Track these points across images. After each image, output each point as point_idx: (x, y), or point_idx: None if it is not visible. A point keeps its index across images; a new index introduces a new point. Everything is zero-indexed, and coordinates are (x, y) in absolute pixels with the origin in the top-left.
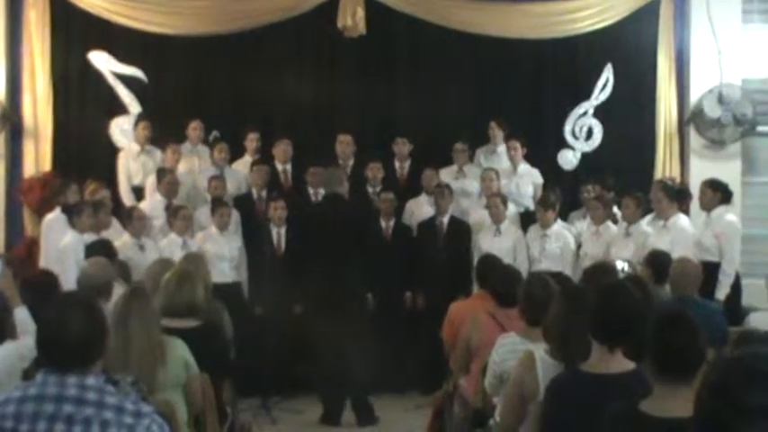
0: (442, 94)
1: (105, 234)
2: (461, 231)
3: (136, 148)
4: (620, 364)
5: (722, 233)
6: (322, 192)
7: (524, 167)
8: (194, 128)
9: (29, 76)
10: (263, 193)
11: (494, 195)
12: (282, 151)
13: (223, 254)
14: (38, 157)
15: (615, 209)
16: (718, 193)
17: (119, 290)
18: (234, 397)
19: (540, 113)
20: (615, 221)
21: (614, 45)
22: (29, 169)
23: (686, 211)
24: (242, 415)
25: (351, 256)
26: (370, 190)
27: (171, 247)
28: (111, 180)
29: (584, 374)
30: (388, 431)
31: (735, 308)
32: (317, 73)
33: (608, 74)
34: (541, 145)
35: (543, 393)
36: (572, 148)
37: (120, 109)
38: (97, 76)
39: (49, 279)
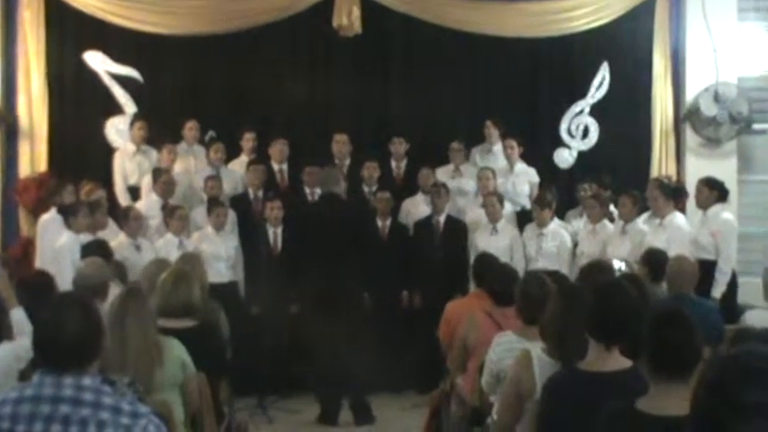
0: (437, 93)
1: (101, 234)
2: (458, 230)
3: (132, 148)
4: (617, 362)
5: (718, 231)
6: (318, 191)
7: (521, 166)
8: (190, 128)
9: (24, 77)
10: (260, 193)
11: (490, 194)
12: (279, 151)
13: (219, 254)
14: (33, 157)
15: (612, 207)
16: (714, 191)
17: (115, 290)
18: (230, 397)
19: (536, 112)
20: (612, 220)
21: (610, 43)
22: (24, 170)
23: (682, 210)
24: (239, 414)
25: (348, 255)
26: (366, 189)
27: (167, 247)
28: (106, 180)
29: (581, 373)
30: (385, 430)
31: (731, 306)
32: (313, 72)
33: (604, 72)
34: (538, 144)
35: (540, 392)
36: (568, 147)
37: (116, 109)
38: (92, 76)
39: (45, 280)
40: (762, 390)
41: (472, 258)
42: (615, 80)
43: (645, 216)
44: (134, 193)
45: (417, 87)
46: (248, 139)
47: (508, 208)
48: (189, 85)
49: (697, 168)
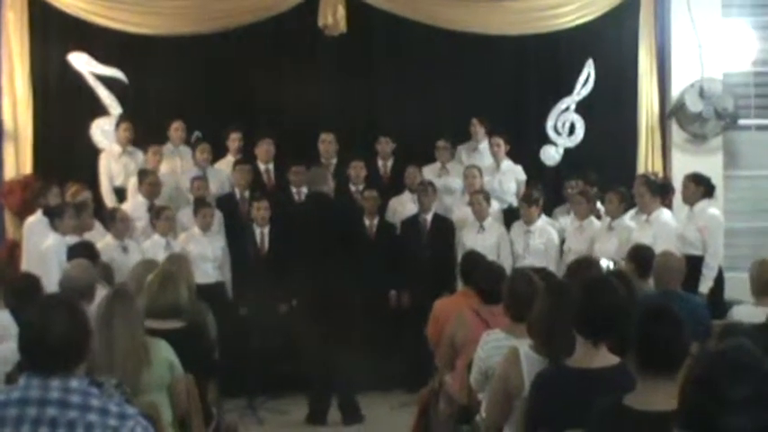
0: (423, 91)
1: (88, 236)
2: (445, 229)
3: (117, 149)
4: (605, 358)
5: (705, 227)
6: (305, 191)
7: (507, 164)
8: (176, 128)
9: (8, 79)
10: (246, 194)
11: (477, 192)
12: (265, 151)
13: (206, 254)
14: (18, 159)
15: (598, 204)
16: (700, 186)
17: (102, 292)
18: (219, 398)
19: (522, 110)
20: (599, 216)
21: (595, 40)
22: (9, 172)
23: (669, 206)
24: (228, 415)
25: (336, 254)
26: (353, 188)
27: (154, 248)
28: (92, 182)
29: (568, 369)
30: (373, 430)
31: (718, 301)
32: (299, 72)
33: (589, 69)
34: (524, 141)
35: (528, 389)
36: (554, 144)
37: (101, 110)
38: (77, 78)
39: (32, 282)
40: (749, 385)
41: (459, 256)
42: (601, 77)
43: (632, 212)
44: (120, 194)
45: (403, 86)
46: (234, 140)
47: (495, 206)
48: (174, 86)
49: (683, 164)
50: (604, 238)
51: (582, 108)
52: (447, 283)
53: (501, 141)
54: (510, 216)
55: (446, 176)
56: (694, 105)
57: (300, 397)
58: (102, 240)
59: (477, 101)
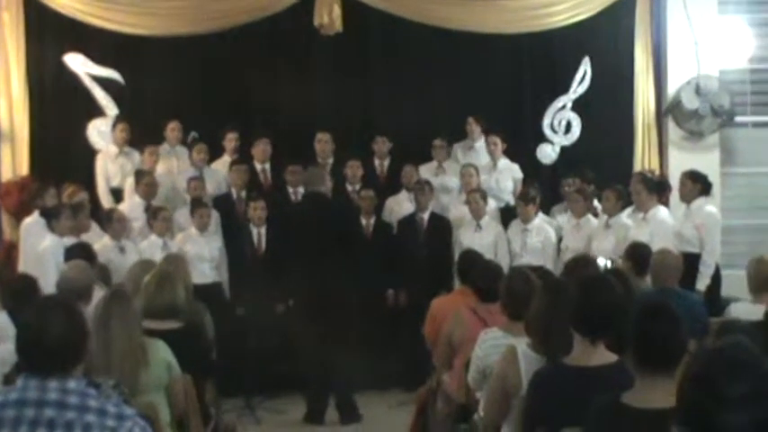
0: (419, 90)
1: (85, 237)
2: (442, 227)
3: (114, 150)
4: (603, 356)
5: (702, 224)
6: (301, 191)
7: (504, 162)
8: (172, 129)
9: (4, 80)
10: (243, 194)
11: (473, 191)
12: (261, 151)
13: (203, 254)
14: (15, 160)
15: (596, 202)
16: (697, 184)
17: (99, 293)
18: (217, 398)
19: (518, 108)
20: (596, 214)
21: (591, 38)
22: (6, 173)
23: (666, 203)
24: (226, 415)
25: (334, 254)
26: (349, 188)
27: (151, 248)
28: (89, 183)
29: (566, 368)
30: (371, 429)
31: (715, 299)
32: (295, 71)
33: (585, 67)
34: (520, 139)
35: (526, 387)
36: (551, 142)
37: (97, 111)
38: (73, 79)
39: (29, 283)
40: (747, 382)
41: (456, 255)
42: (597, 75)
43: (629, 210)
44: (117, 195)
45: (399, 85)
46: (231, 140)
47: (492, 204)
48: (170, 86)
49: (680, 162)
50: (601, 236)
51: (578, 106)
52: (444, 282)
53: (498, 140)
54: (507, 214)
55: (443, 175)
56: (691, 103)
57: (298, 396)
58: (100, 241)
59: (474, 99)
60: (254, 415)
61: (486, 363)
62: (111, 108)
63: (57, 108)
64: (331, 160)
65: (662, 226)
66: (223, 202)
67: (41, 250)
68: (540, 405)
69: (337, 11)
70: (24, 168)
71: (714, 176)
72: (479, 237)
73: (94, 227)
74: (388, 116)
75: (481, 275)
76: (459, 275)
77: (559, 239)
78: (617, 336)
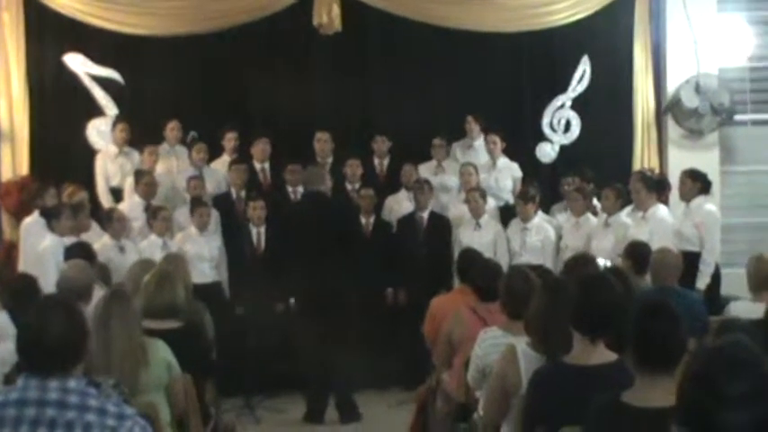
0: (418, 89)
1: (85, 236)
2: (441, 226)
3: (113, 149)
4: (603, 355)
5: (702, 223)
6: (301, 190)
7: (503, 161)
8: (172, 128)
9: (4, 80)
10: (242, 193)
11: (473, 190)
12: (261, 150)
13: (203, 254)
14: (15, 160)
15: (595, 201)
16: (697, 182)
17: (99, 292)
18: (216, 397)
19: (517, 107)
20: (595, 213)
21: (590, 37)
22: (6, 173)
23: (665, 202)
24: (225, 415)
25: (334, 253)
26: (349, 187)
27: (151, 248)
28: (88, 182)
29: (566, 367)
30: (371, 428)
31: (714, 297)
32: (294, 71)
33: (585, 66)
34: (520, 138)
35: (526, 386)
36: (550, 141)
37: (97, 111)
38: (73, 79)
39: (29, 283)
40: (747, 381)
41: (456, 254)
42: (596, 73)
43: (628, 209)
44: (116, 194)
45: (398, 84)
46: (230, 139)
47: (491, 203)
48: (170, 86)
49: (679, 160)
50: (601, 234)
51: (577, 105)
52: (444, 281)
53: (497, 139)
54: (506, 213)
55: (442, 174)
56: (690, 101)
57: (298, 396)
58: (99, 241)
59: (473, 98)
60: (254, 414)
61: (485, 362)
62: (110, 108)
63: (56, 108)
64: (330, 159)
65: (661, 225)
66: (222, 202)
67: (41, 250)
68: (539, 404)
69: (336, 10)
70: (24, 168)
71: (714, 175)
72: (479, 235)
73: (94, 226)
74: (388, 115)
75: (480, 274)
76: (459, 274)
77: (559, 238)
78: (617, 334)
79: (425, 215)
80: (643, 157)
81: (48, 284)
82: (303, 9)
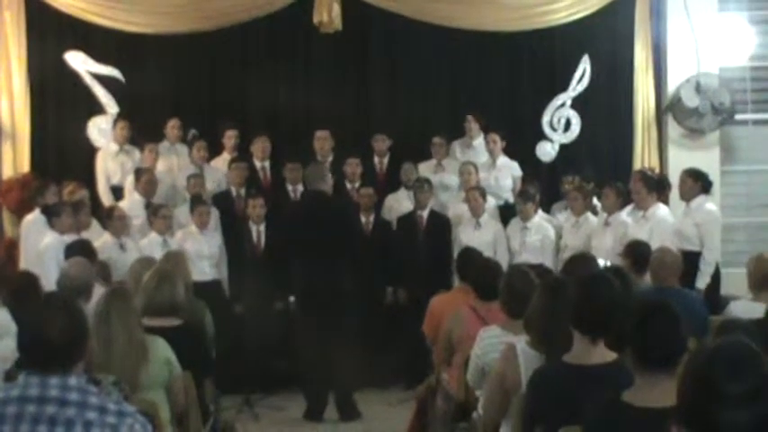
0: (419, 88)
1: (85, 234)
2: (441, 225)
3: (114, 147)
4: (602, 355)
5: (703, 223)
6: (300, 188)
7: (503, 160)
8: (172, 126)
9: (5, 78)
10: (242, 191)
11: (473, 189)
12: (261, 148)
13: (203, 252)
14: (15, 158)
15: (595, 200)
16: (698, 182)
17: (99, 290)
18: (216, 395)
19: (517, 106)
20: (595, 213)
21: (591, 36)
22: (7, 171)
23: (666, 201)
24: (225, 413)
25: (336, 252)
26: (348, 186)
27: (151, 246)
28: (89, 180)
29: (566, 366)
30: (371, 426)
31: (715, 297)
32: (294, 69)
33: (585, 65)
34: (520, 137)
35: (525, 385)
36: (550, 140)
37: (98, 109)
38: (74, 77)
39: (29, 280)
40: (747, 380)
41: (456, 253)
42: (596, 72)
43: (628, 208)
44: (117, 192)
45: (398, 83)
46: (230, 137)
47: (491, 202)
48: (170, 84)
49: (679, 160)
50: (601, 234)
51: (578, 104)
52: (443, 280)
53: (497, 138)
54: (506, 212)
55: (442, 173)
56: (690, 100)
57: (298, 394)
58: (100, 239)
59: (473, 97)
60: (254, 412)
61: (485, 361)
62: (111, 106)
63: (57, 106)
64: (330, 158)
65: (662, 224)
66: (222, 200)
67: (42, 248)
68: (539, 403)
69: (337, 9)
70: (25, 166)
71: (714, 174)
72: (478, 234)
73: (95, 224)
74: (388, 114)
75: (480, 273)
76: (459, 273)
77: (559, 237)
78: (617, 334)
79: (425, 214)
80: (643, 156)
81: (48, 282)
82: (303, 7)
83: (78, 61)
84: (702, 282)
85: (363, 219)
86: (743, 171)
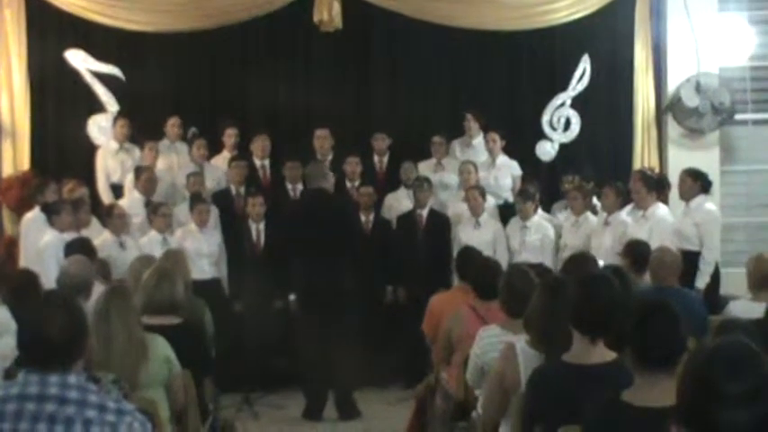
0: (419, 87)
1: (85, 232)
2: (441, 224)
3: (114, 145)
4: (602, 354)
5: (702, 222)
6: (300, 187)
7: (503, 159)
8: (172, 124)
9: (5, 76)
10: (242, 190)
11: (472, 188)
12: (260, 147)
13: (202, 250)
14: (16, 156)
15: (594, 199)
16: (698, 182)
17: (99, 288)
18: (215, 393)
19: (517, 105)
20: (595, 212)
21: (591, 35)
22: (7, 168)
23: (665, 201)
24: (224, 411)
25: (334, 251)
26: (348, 184)
27: (151, 244)
28: (89, 178)
29: (565, 365)
30: (370, 425)
31: (714, 297)
32: (294, 68)
33: (585, 64)
34: (519, 136)
35: (525, 385)
36: (550, 140)
37: (98, 107)
38: (74, 75)
39: (29, 278)
40: (746, 380)
41: (455, 252)
42: (596, 72)
43: (628, 208)
44: (117, 190)
45: (398, 82)
46: (230, 135)
47: (490, 201)
48: (170, 82)
49: (679, 159)
50: (600, 233)
51: (577, 103)
52: (443, 279)
53: (497, 137)
54: (506, 212)
55: (441, 172)
56: (690, 100)
57: (297, 392)
58: (100, 237)
59: (473, 96)
60: (253, 410)
61: (484, 360)
62: (111, 104)
63: (57, 104)
64: (330, 157)
65: (661, 224)
66: (222, 198)
67: (42, 245)
68: (538, 403)
69: (337, 8)
70: (25, 164)
71: (714, 174)
72: (478, 234)
73: (95, 222)
74: (388, 113)
75: (480, 272)
76: (458, 272)
77: (558, 237)
78: (616, 334)
79: (425, 213)
80: (643, 155)
81: (48, 280)
82: (303, 6)
83: (78, 59)
84: (702, 281)
85: (363, 218)
86: (742, 171)
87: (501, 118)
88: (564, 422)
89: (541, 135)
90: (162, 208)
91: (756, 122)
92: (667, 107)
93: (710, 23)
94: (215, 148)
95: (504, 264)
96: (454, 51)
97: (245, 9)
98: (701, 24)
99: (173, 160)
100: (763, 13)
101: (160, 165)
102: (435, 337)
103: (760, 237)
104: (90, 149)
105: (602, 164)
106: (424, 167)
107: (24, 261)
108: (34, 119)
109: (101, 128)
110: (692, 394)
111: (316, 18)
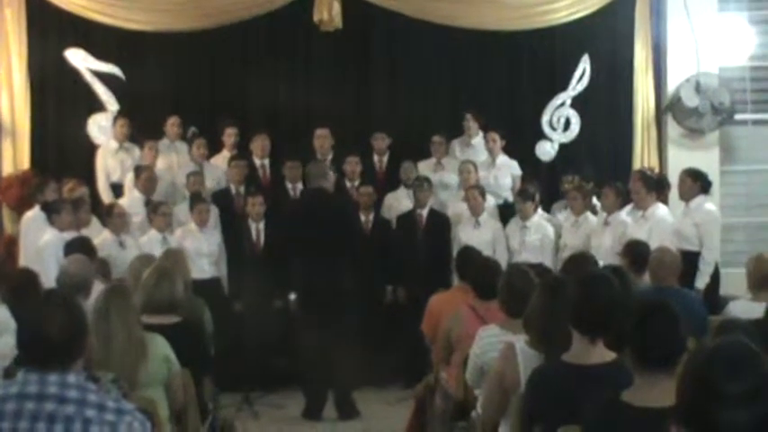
0: (419, 87)
1: (85, 231)
2: (440, 224)
3: (114, 144)
4: (602, 354)
5: (702, 223)
6: (300, 186)
7: (503, 159)
8: (172, 124)
9: (5, 75)
10: (242, 189)
11: (472, 187)
12: (260, 146)
13: (202, 250)
14: (16, 155)
15: (594, 199)
16: (697, 182)
17: (98, 287)
18: (215, 393)
19: (517, 105)
20: (595, 212)
21: (591, 35)
22: (7, 167)
23: (665, 201)
24: (224, 410)
25: (334, 250)
26: (348, 184)
27: (151, 243)
28: (89, 177)
29: (565, 365)
30: (370, 425)
31: (714, 297)
32: (294, 67)
33: (585, 64)
34: (519, 136)
35: (524, 385)
36: (550, 140)
37: (98, 106)
38: (74, 74)
39: (29, 277)
40: (746, 380)
41: (455, 252)
42: (596, 72)
43: (628, 208)
44: (117, 190)
45: (398, 81)
46: (230, 135)
47: (490, 201)
48: (170, 82)
49: (679, 159)
50: (600, 233)
51: (577, 103)
52: (443, 279)
53: (497, 136)
54: (505, 211)
55: (441, 172)
56: (690, 100)
57: (296, 391)
58: (100, 236)
59: (473, 96)
60: (253, 410)
61: (483, 360)
62: (111, 103)
63: (57, 103)
64: (330, 156)
65: (661, 224)
66: (222, 198)
67: (42, 244)
68: (538, 403)
69: (337, 7)
70: (25, 163)
71: (713, 174)
72: (478, 233)
73: (94, 221)
74: (388, 112)
75: (479, 272)
76: (458, 272)
77: (558, 237)
78: (616, 334)
79: (425, 213)
80: (643, 155)
81: (48, 279)
82: (304, 6)
83: (78, 58)
84: (702, 282)
85: (363, 217)
86: (742, 171)
87: (501, 118)
88: (563, 422)
89: (541, 135)
90: (162, 207)
91: (756, 122)
92: (667, 107)
93: (710, 23)
94: (215, 147)
95: (503, 264)
96: (454, 51)
97: (245, 8)
98: (700, 24)
99: (172, 159)
100: (763, 13)
101: (160, 164)
102: (435, 336)
103: (760, 237)
104: (90, 149)
105: (602, 164)
106: (424, 167)
107: (24, 260)
108: (34, 118)
109: (101, 127)
110: (692, 394)
111: (316, 18)
